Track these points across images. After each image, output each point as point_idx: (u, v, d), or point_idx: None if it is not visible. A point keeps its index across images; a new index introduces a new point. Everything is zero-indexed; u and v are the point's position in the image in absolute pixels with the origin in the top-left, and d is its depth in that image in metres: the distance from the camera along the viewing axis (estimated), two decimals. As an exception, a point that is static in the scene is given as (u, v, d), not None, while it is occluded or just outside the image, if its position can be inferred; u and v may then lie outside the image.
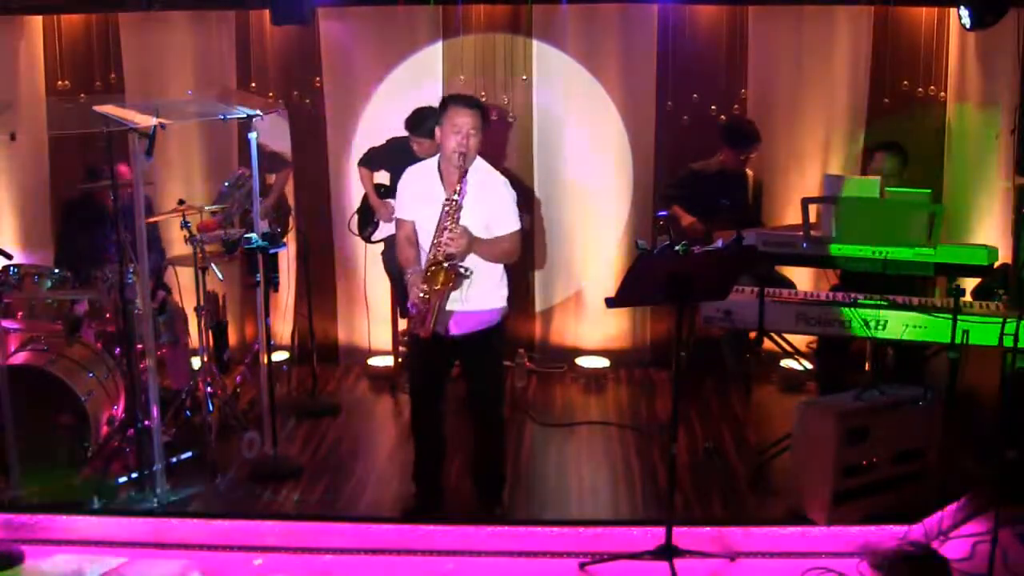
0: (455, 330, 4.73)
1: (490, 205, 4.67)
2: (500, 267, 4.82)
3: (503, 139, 6.91)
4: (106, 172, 5.15)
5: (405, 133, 6.23)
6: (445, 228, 4.53)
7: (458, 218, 4.53)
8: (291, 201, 6.95)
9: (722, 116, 6.76)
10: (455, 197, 4.52)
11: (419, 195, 4.75)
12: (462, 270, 4.52)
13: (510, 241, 4.73)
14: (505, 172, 4.90)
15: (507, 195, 4.73)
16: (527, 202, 6.77)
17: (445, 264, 4.51)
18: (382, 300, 6.94)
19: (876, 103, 6.73)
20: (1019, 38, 5.48)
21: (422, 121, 6.09)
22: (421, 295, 4.57)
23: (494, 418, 5.00)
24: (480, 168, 4.70)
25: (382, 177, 6.54)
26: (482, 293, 4.74)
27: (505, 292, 4.87)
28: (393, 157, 6.36)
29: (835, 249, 5.27)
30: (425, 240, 4.70)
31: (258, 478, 5.34)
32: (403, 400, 6.53)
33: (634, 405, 6.53)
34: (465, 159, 4.56)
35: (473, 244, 4.58)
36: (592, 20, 6.75)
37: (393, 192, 6.35)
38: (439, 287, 4.52)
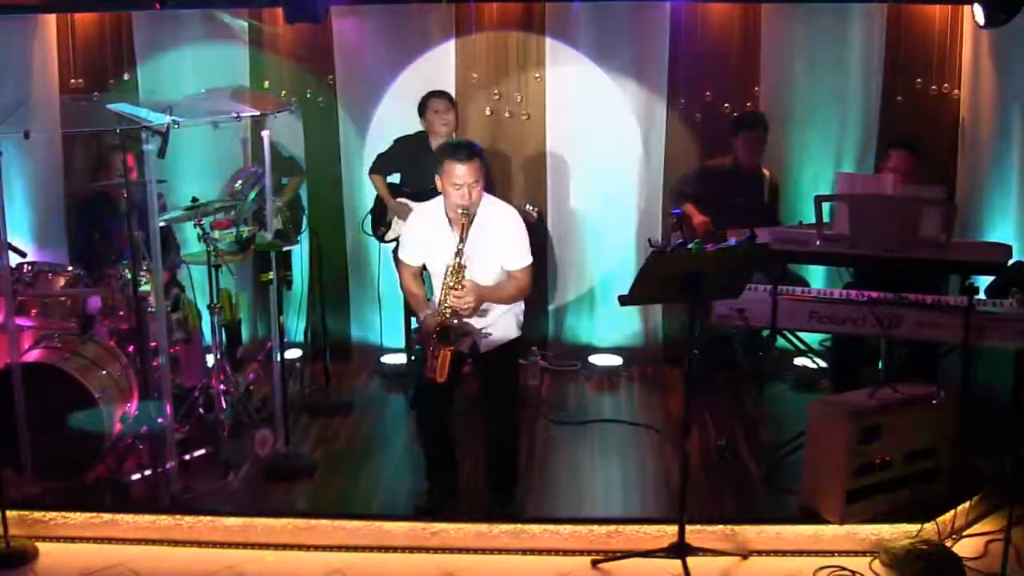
0: (480, 348, 4.80)
1: (500, 243, 4.69)
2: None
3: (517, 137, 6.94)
4: (117, 165, 5.17)
5: (408, 132, 6.31)
6: (451, 288, 4.57)
7: (463, 275, 4.57)
8: (304, 199, 6.96)
9: (735, 114, 6.74)
10: (458, 260, 4.55)
11: (428, 242, 4.77)
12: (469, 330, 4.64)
13: (521, 278, 4.76)
14: (516, 201, 4.91)
15: (517, 231, 4.74)
16: (539, 198, 6.83)
17: (454, 322, 4.58)
18: (395, 298, 6.94)
19: (890, 101, 6.69)
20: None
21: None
22: (431, 350, 4.63)
23: (507, 422, 5.00)
24: (488, 206, 4.70)
25: (393, 177, 6.54)
26: (502, 319, 4.81)
27: (522, 307, 4.93)
28: (402, 157, 6.37)
29: (848, 247, 5.25)
30: (437, 280, 4.74)
31: (271, 475, 5.36)
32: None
33: (647, 403, 6.52)
34: (469, 211, 4.57)
35: (483, 296, 4.65)
36: (605, 18, 6.73)
37: (406, 190, 6.39)
38: (449, 345, 4.59)
